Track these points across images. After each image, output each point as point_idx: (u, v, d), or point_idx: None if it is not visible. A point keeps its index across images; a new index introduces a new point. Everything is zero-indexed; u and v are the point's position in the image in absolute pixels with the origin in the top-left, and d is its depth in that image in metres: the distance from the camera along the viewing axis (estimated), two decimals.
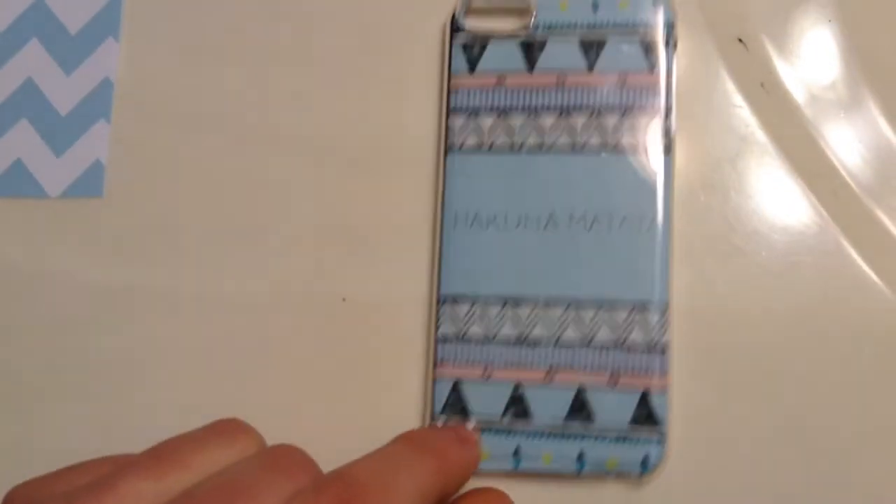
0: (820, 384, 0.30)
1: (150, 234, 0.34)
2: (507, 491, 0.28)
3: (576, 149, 0.31)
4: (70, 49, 0.36)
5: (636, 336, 0.29)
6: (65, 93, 0.36)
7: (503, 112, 0.31)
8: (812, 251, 0.31)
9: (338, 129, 0.34)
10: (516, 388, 0.30)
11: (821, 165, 0.31)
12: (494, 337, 0.30)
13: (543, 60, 0.31)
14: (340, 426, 0.32)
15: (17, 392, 0.34)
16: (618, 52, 0.31)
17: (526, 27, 0.32)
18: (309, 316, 0.33)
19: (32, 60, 0.36)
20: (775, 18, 0.32)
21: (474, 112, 0.31)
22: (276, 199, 0.34)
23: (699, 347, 0.30)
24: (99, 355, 0.34)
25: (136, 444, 0.25)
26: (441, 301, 0.31)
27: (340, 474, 0.24)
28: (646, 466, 0.29)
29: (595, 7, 0.31)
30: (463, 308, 0.31)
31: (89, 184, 0.35)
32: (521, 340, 0.30)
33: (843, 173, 0.31)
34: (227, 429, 0.26)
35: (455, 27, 0.32)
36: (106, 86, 0.36)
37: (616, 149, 0.30)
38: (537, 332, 0.30)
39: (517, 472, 0.30)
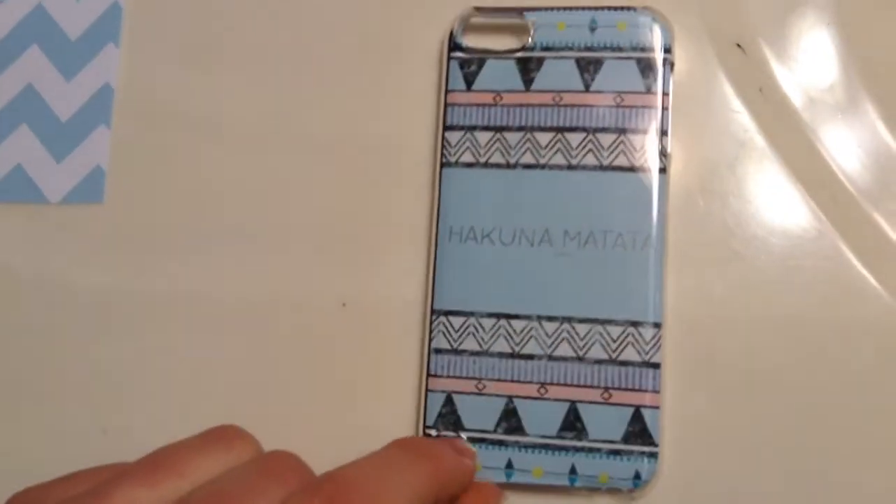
0: (818, 391, 0.30)
1: (150, 240, 0.34)
2: None
3: (571, 166, 0.31)
4: (70, 55, 0.36)
5: (629, 352, 0.30)
6: (65, 98, 0.36)
7: (499, 130, 0.31)
8: (811, 255, 0.30)
9: (336, 141, 0.34)
10: (509, 401, 0.30)
11: (819, 170, 0.31)
12: (488, 350, 0.30)
13: (540, 80, 0.31)
14: (333, 434, 0.32)
15: (15, 397, 0.34)
16: (615, 73, 0.31)
17: (523, 46, 0.32)
18: (305, 324, 0.33)
19: (33, 66, 0.36)
20: (773, 23, 0.32)
21: (470, 128, 0.32)
22: (274, 208, 0.34)
23: (694, 358, 0.30)
24: (98, 360, 0.34)
25: (136, 448, 0.25)
26: (435, 314, 0.31)
27: (332, 476, 0.24)
28: (638, 481, 0.29)
29: (593, 28, 0.31)
30: (457, 321, 0.31)
31: (89, 189, 0.35)
32: (515, 354, 0.30)
33: (842, 178, 0.31)
34: (224, 435, 0.26)
35: (453, 45, 0.32)
36: (106, 91, 0.36)
37: (612, 168, 0.30)
38: (531, 346, 0.30)
39: (509, 485, 0.30)
